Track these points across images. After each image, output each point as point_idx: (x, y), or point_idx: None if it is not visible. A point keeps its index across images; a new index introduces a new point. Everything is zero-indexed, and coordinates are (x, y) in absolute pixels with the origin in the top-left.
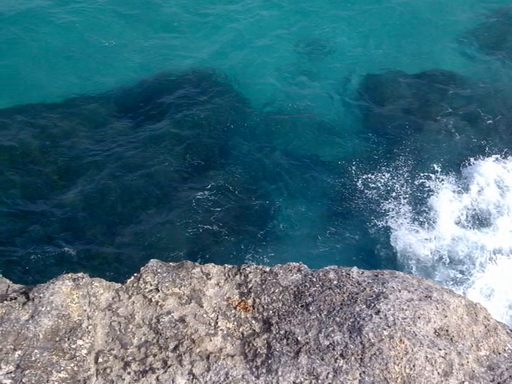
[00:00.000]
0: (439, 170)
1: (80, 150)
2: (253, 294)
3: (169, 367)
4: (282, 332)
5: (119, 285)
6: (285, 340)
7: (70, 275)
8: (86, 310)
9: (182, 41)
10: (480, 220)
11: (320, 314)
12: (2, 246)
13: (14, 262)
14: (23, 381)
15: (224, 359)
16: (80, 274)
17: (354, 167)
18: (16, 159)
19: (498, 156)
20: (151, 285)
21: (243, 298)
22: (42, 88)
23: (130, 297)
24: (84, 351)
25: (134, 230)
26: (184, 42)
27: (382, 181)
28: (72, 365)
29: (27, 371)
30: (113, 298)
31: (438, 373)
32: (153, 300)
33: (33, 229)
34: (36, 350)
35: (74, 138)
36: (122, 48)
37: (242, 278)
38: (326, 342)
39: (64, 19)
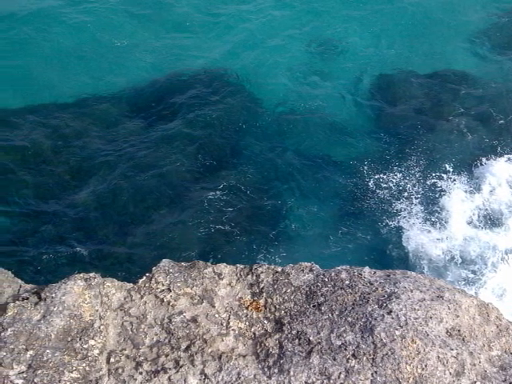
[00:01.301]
0: (451, 169)
1: (92, 150)
2: (265, 293)
3: (181, 367)
4: (293, 332)
5: (131, 285)
6: (297, 340)
7: (81, 275)
8: (97, 310)
9: (193, 41)
10: (492, 220)
11: (332, 314)
12: (14, 245)
13: (25, 261)
14: (35, 381)
15: (236, 359)
16: (92, 274)
17: (365, 167)
18: (28, 159)
19: (510, 156)
20: (163, 285)
21: (255, 298)
22: (54, 88)
23: (141, 297)
24: (96, 351)
25: (146, 230)
26: (196, 41)
27: (394, 181)
28: (84, 365)
29: (39, 371)
30: (125, 298)
31: (450, 373)
32: (165, 300)
33: (45, 229)
34: (48, 350)
35: (85, 137)
36: (134, 48)
37: (254, 277)
38: (338, 342)
39: (76, 19)
